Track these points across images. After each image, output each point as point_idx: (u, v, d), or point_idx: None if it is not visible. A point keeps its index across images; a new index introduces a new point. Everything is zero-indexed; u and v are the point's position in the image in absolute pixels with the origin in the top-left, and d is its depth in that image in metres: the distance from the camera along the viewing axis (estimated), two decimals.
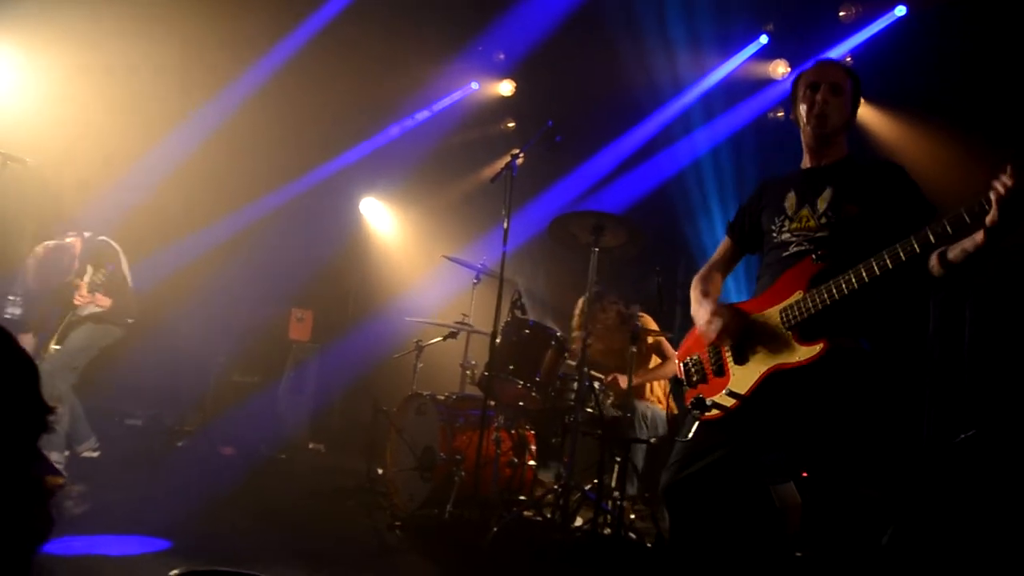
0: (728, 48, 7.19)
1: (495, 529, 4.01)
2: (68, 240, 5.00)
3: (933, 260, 2.32)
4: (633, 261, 5.72)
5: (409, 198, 8.73)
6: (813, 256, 2.53)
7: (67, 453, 4.89)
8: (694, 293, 2.88)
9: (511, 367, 4.55)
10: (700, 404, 2.64)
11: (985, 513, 5.12)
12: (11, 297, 6.30)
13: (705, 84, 7.35)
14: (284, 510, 4.82)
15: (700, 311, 2.77)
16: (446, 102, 8.43)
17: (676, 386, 2.85)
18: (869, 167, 2.69)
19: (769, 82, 7.11)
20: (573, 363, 4.77)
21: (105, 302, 4.87)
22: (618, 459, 4.61)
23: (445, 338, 5.45)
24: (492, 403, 4.55)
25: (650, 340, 5.28)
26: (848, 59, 6.74)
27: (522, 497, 4.75)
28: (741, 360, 2.61)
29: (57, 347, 4.95)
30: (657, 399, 5.35)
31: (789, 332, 2.49)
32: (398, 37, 7.45)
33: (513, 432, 4.82)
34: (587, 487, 4.58)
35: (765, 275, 2.72)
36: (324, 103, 7.80)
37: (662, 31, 6.89)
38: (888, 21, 6.41)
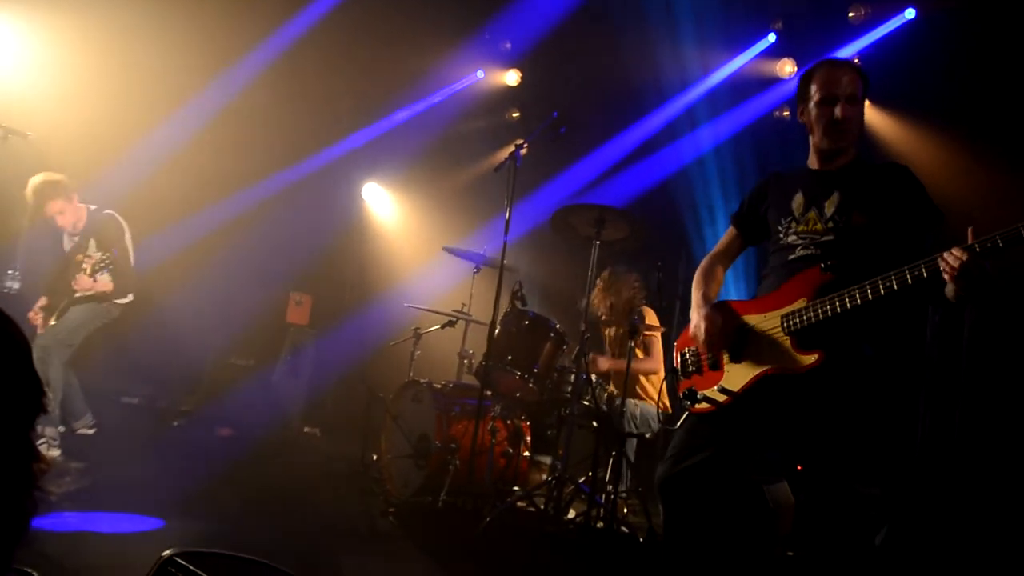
0: (735, 45, 7.16)
1: (488, 519, 4.02)
2: (79, 202, 4.98)
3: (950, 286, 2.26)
4: (634, 255, 5.71)
5: (412, 185, 8.71)
6: (822, 265, 2.51)
7: (62, 429, 4.88)
8: (694, 292, 2.87)
9: (509, 357, 4.55)
10: (692, 396, 2.66)
11: (979, 513, 5.14)
12: (10, 271, 6.31)
13: (711, 80, 7.33)
14: (278, 493, 4.83)
15: (694, 314, 2.78)
16: (451, 90, 8.41)
17: (671, 375, 2.86)
18: (877, 170, 2.65)
19: (776, 80, 7.09)
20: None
21: (107, 286, 4.85)
22: (613, 453, 4.62)
23: (443, 326, 5.44)
24: (489, 393, 4.55)
25: (646, 334, 5.28)
26: (856, 60, 6.73)
27: (516, 488, 4.76)
28: (737, 358, 2.62)
29: (54, 323, 4.93)
30: (649, 396, 5.34)
31: (788, 338, 2.50)
32: (405, 23, 7.43)
33: (509, 422, 4.82)
34: (581, 480, 4.59)
35: (771, 276, 2.71)
36: (329, 87, 7.78)
37: (670, 26, 6.86)
38: (898, 23, 6.39)
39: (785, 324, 2.52)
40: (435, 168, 8.47)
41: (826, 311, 2.42)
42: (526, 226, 7.20)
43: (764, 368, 2.53)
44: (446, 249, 5.58)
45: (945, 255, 2.19)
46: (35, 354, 4.56)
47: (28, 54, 6.41)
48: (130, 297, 5.09)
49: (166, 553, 1.53)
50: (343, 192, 8.71)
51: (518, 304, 4.72)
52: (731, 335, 2.65)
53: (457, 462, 4.44)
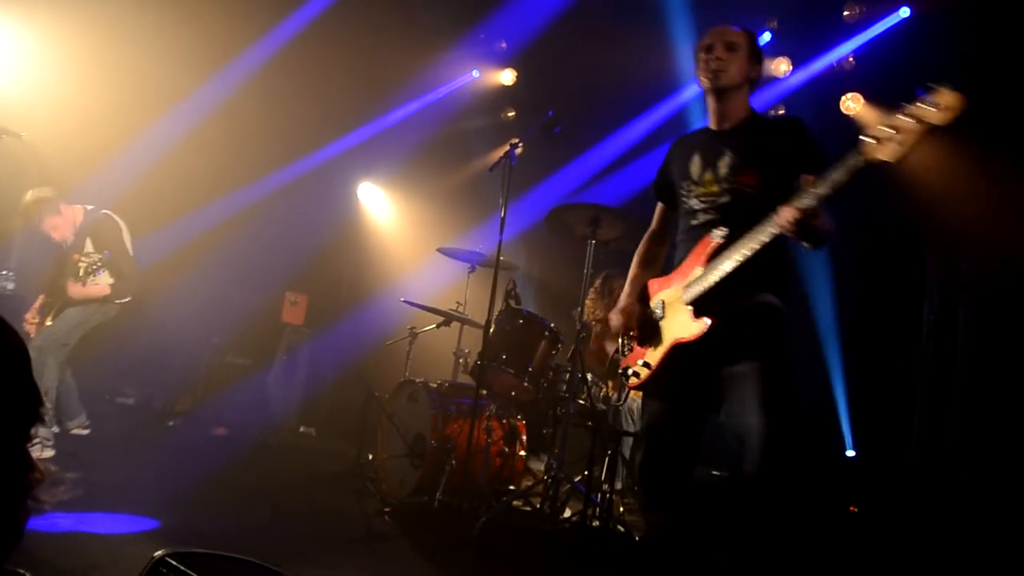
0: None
1: (484, 518, 4.01)
2: (73, 205, 4.97)
3: None
4: (629, 255, 5.70)
5: (407, 184, 8.71)
6: (713, 232, 2.66)
7: (56, 429, 4.87)
8: (628, 277, 3.09)
9: (504, 356, 4.55)
10: (624, 373, 2.90)
11: (976, 511, 5.16)
12: (4, 272, 6.30)
13: None
14: (273, 493, 4.82)
15: (620, 300, 3.01)
16: (446, 89, 8.40)
17: (616, 355, 3.03)
18: (768, 126, 2.81)
19: (771, 79, 7.09)
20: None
21: (104, 290, 4.84)
22: (608, 452, 4.62)
23: (439, 326, 5.43)
24: (484, 392, 4.55)
25: None
26: (851, 59, 6.73)
27: (512, 487, 4.75)
28: (655, 334, 2.80)
29: (50, 323, 4.92)
30: None
31: (689, 307, 2.67)
32: (400, 22, 7.42)
33: (504, 422, 4.82)
34: (576, 479, 4.59)
35: (680, 246, 2.86)
36: (324, 86, 7.77)
37: (664, 24, 6.86)
38: (892, 22, 6.40)
39: (686, 296, 2.68)
40: (430, 167, 8.46)
41: (712, 278, 2.60)
42: (521, 225, 7.20)
43: (672, 339, 2.71)
44: (440, 251, 5.57)
45: (778, 216, 2.43)
46: (31, 354, 4.56)
47: (21, 53, 6.39)
48: (128, 297, 5.08)
49: (158, 554, 1.53)
50: (338, 191, 8.71)
51: (512, 303, 4.72)
52: (645, 315, 2.85)
53: (453, 462, 4.44)
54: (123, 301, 5.06)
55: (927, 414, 6.21)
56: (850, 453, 6.60)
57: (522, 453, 4.85)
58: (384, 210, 9.05)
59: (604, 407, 4.92)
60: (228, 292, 7.63)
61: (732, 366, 2.59)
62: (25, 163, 5.78)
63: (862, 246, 6.60)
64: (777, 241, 2.51)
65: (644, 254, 3.13)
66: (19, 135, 4.68)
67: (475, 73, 8.32)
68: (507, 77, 8.22)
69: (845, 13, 6.61)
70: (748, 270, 2.54)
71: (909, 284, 6.46)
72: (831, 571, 4.66)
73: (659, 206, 3.16)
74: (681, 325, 2.68)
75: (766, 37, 7.05)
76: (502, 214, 4.28)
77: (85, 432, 5.17)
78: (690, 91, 7.39)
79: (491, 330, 4.32)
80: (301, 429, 7.38)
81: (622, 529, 4.40)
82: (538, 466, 5.19)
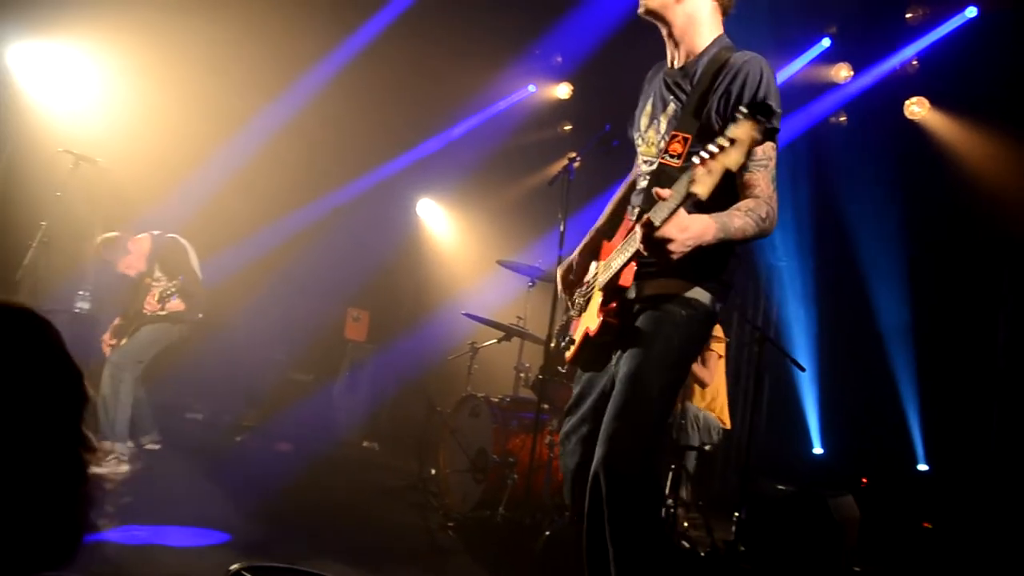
0: (789, 51, 7.06)
1: (547, 533, 4.00)
2: (139, 236, 5.15)
3: None
4: None
5: (465, 200, 8.78)
6: (632, 211, 2.34)
7: (131, 444, 5.02)
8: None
9: (565, 371, 4.54)
10: (568, 342, 2.58)
11: None
12: (80, 292, 6.55)
13: None
14: (338, 507, 4.88)
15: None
16: (503, 105, 8.47)
17: (566, 318, 2.70)
18: (721, 70, 2.21)
19: (832, 86, 6.97)
20: None
21: (179, 306, 5.00)
22: (672, 466, 4.56)
23: (500, 341, 5.45)
24: (546, 406, 4.54)
25: (708, 348, 5.21)
26: (915, 62, 6.58)
27: None
28: (587, 305, 2.48)
29: (125, 342, 5.08)
30: (713, 407, 5.27)
31: (601, 293, 2.35)
32: (456, 40, 7.51)
33: None
34: None
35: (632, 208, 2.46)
36: (382, 105, 7.90)
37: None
38: (958, 23, 6.22)
39: (600, 280, 2.38)
40: (488, 183, 8.53)
41: (610, 271, 2.27)
42: (580, 239, 7.18)
43: (584, 327, 2.41)
44: (500, 263, 5.60)
45: (635, 232, 2.04)
46: (107, 371, 4.73)
47: (95, 83, 6.65)
48: (199, 316, 5.22)
49: (234, 567, 1.57)
50: (398, 208, 8.83)
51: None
52: (580, 283, 2.56)
53: (515, 476, 4.44)
54: (194, 320, 5.21)
55: (1004, 427, 5.99)
56: (922, 467, 6.40)
57: None
58: (443, 226, 9.13)
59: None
60: (292, 309, 7.80)
61: (618, 369, 2.26)
62: (99, 188, 6.00)
63: (938, 255, 6.44)
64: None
65: (615, 203, 2.68)
66: (95, 161, 4.87)
67: (531, 88, 8.36)
68: (563, 91, 8.25)
69: (908, 15, 6.46)
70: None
71: (985, 295, 6.27)
72: None
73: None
74: (591, 313, 2.39)
75: (825, 43, 6.93)
76: (561, 228, 4.28)
77: (157, 447, 5.32)
78: None
79: (552, 344, 4.32)
80: (364, 444, 7.46)
81: (687, 545, 4.35)
82: None
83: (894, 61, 6.64)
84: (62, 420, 1.15)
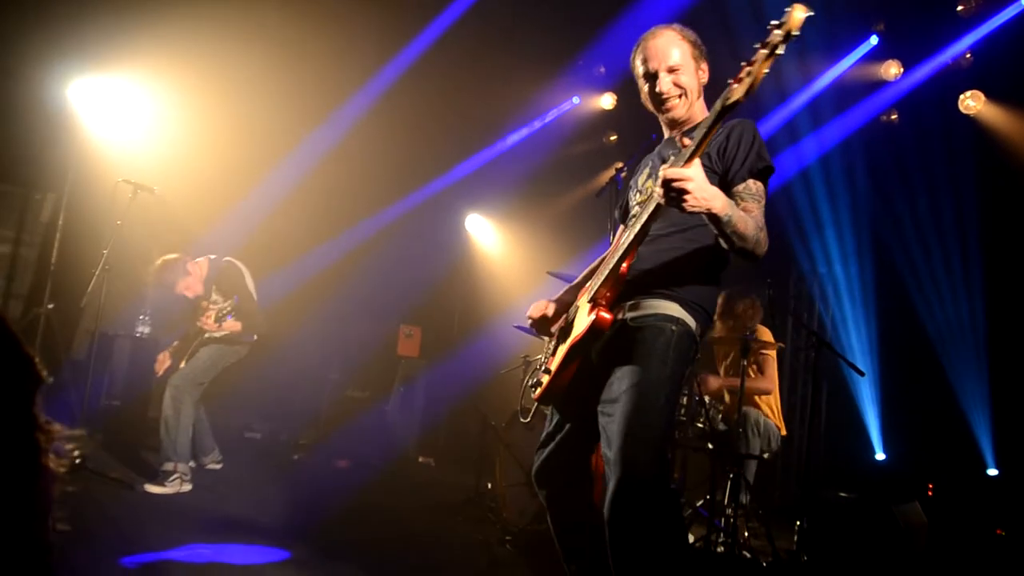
0: (836, 51, 6.96)
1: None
2: (198, 260, 5.26)
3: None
4: (743, 274, 5.58)
5: (513, 214, 8.81)
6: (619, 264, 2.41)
7: (193, 464, 5.12)
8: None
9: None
10: (537, 385, 2.73)
11: None
12: (141, 316, 6.72)
13: (812, 89, 7.14)
14: (396, 523, 4.92)
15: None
16: (548, 117, 8.49)
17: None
18: (718, 132, 2.42)
19: (881, 84, 6.85)
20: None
21: (236, 326, 5.09)
22: (731, 474, 4.50)
23: None
24: None
25: (761, 352, 5.13)
26: (968, 56, 6.42)
27: None
28: (565, 337, 2.60)
29: (184, 364, 5.20)
30: (769, 412, 5.18)
31: (588, 303, 2.47)
32: (499, 55, 7.56)
33: None
34: (699, 503, 4.49)
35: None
36: (429, 122, 7.98)
37: (764, 37, 6.73)
38: (1012, 13, 6.06)
39: (588, 294, 2.52)
40: (536, 196, 8.54)
41: (605, 271, 2.41)
42: None
43: (570, 341, 2.50)
44: (551, 274, 5.59)
45: (633, 228, 2.29)
46: (168, 393, 4.83)
47: (150, 115, 6.84)
48: (255, 338, 5.31)
49: None
50: (447, 224, 8.89)
51: None
52: (557, 321, 2.75)
53: None
54: (251, 341, 5.30)
55: None
56: (992, 472, 6.20)
57: None
58: (492, 240, 9.17)
59: (725, 427, 4.80)
60: (345, 328, 7.90)
61: (611, 384, 2.39)
62: (157, 216, 6.16)
63: (1010, 252, 6.26)
64: (689, 235, 2.40)
65: (595, 266, 2.88)
66: (152, 190, 5.01)
67: (575, 100, 8.37)
68: (607, 101, 8.24)
69: (959, 8, 6.31)
70: (650, 270, 2.40)
71: None
72: None
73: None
74: (577, 323, 2.51)
75: (873, 41, 6.82)
76: (611, 239, 4.27)
77: (218, 467, 5.43)
78: (797, 102, 7.20)
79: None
80: (420, 459, 7.50)
81: (748, 555, 4.27)
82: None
83: (946, 55, 6.50)
84: (12, 404, 1.10)
